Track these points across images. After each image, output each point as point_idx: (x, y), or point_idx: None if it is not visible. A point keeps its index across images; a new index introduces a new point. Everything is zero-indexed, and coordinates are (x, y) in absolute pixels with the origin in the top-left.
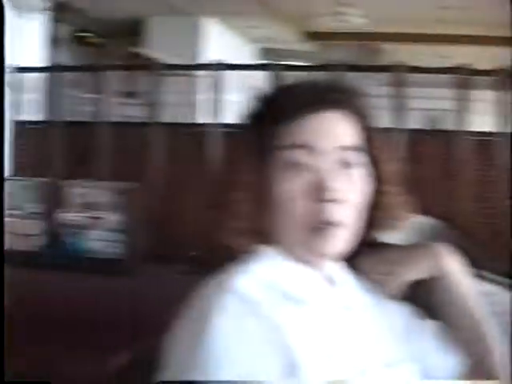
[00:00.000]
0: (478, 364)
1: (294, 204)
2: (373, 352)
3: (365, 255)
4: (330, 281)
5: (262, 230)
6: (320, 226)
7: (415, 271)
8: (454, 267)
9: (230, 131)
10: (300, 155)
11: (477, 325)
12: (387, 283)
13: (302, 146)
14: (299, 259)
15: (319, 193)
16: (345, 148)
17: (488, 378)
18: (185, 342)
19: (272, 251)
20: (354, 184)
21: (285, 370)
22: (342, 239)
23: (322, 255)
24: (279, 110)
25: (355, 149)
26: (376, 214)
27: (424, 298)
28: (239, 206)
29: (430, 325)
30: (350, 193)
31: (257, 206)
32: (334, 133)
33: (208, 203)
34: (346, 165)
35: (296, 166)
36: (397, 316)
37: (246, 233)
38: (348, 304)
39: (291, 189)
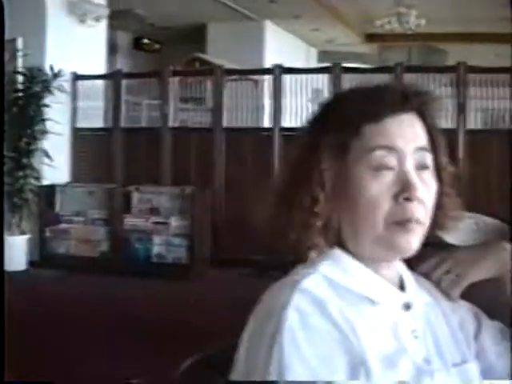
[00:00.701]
0: None
1: (380, 203)
2: (437, 351)
3: (429, 255)
4: (396, 282)
5: (336, 230)
6: (402, 224)
7: (482, 271)
8: None
9: (292, 134)
10: (384, 156)
11: None
12: (454, 283)
13: (386, 147)
14: (367, 259)
15: (403, 192)
16: (420, 149)
17: None
18: (256, 340)
19: (340, 252)
20: (426, 184)
21: (353, 369)
22: (420, 236)
23: (401, 252)
24: (361, 111)
25: (427, 150)
26: (436, 215)
27: (487, 298)
28: (317, 206)
29: (491, 325)
30: (424, 193)
31: (334, 206)
32: (412, 134)
33: (280, 203)
34: (421, 166)
35: (381, 167)
36: (460, 316)
37: (320, 232)
38: (411, 304)
39: (377, 188)
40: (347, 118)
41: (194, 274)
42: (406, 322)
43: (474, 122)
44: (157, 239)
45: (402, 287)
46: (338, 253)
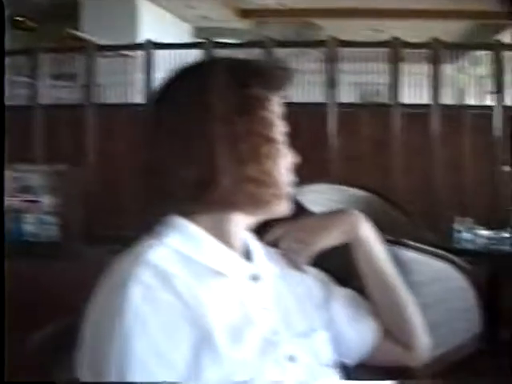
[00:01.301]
0: (394, 332)
1: (281, 164)
2: (285, 322)
3: (279, 224)
4: (244, 252)
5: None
6: (290, 186)
7: (329, 238)
8: (367, 233)
9: None
10: (284, 125)
11: (391, 291)
12: (301, 251)
13: (284, 118)
14: (216, 229)
15: (288, 158)
16: None
17: (405, 348)
18: (100, 314)
19: (186, 222)
20: None
21: (198, 342)
22: None
23: (285, 213)
24: (273, 81)
25: None
26: None
27: (340, 265)
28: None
29: (341, 292)
30: None
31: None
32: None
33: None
34: None
35: (283, 134)
36: (308, 285)
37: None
38: (259, 275)
39: (281, 151)
40: (264, 84)
41: (66, 251)
42: (254, 294)
43: (346, 96)
44: (29, 218)
45: (250, 258)
46: (183, 223)
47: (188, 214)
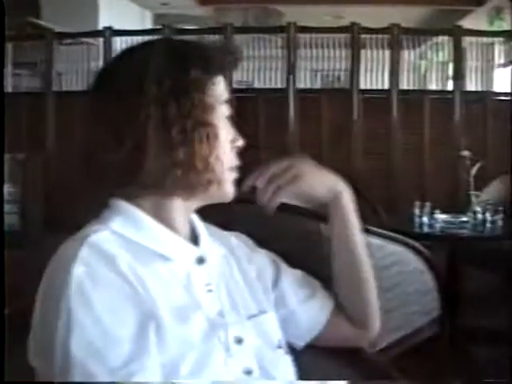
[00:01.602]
0: (350, 309)
1: (226, 147)
2: (232, 304)
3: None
4: (189, 235)
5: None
6: (233, 170)
7: (316, 187)
8: (348, 201)
9: None
10: (228, 108)
11: (358, 264)
12: (284, 188)
13: (229, 101)
14: (162, 212)
15: (234, 141)
16: None
17: (359, 327)
18: (47, 294)
19: (132, 207)
20: None
21: (142, 323)
22: None
23: (228, 198)
24: (218, 62)
25: None
26: None
27: (292, 247)
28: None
29: (292, 273)
30: None
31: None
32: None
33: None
34: None
35: (227, 118)
36: (258, 266)
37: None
38: (205, 257)
39: (225, 134)
40: (205, 66)
41: (27, 240)
42: (200, 276)
43: (306, 82)
44: None
45: (195, 241)
46: (127, 207)
47: (132, 199)
